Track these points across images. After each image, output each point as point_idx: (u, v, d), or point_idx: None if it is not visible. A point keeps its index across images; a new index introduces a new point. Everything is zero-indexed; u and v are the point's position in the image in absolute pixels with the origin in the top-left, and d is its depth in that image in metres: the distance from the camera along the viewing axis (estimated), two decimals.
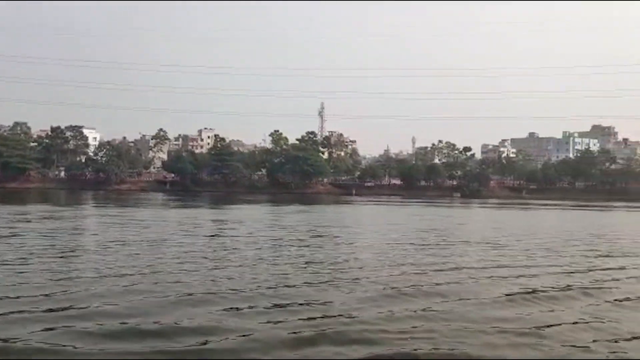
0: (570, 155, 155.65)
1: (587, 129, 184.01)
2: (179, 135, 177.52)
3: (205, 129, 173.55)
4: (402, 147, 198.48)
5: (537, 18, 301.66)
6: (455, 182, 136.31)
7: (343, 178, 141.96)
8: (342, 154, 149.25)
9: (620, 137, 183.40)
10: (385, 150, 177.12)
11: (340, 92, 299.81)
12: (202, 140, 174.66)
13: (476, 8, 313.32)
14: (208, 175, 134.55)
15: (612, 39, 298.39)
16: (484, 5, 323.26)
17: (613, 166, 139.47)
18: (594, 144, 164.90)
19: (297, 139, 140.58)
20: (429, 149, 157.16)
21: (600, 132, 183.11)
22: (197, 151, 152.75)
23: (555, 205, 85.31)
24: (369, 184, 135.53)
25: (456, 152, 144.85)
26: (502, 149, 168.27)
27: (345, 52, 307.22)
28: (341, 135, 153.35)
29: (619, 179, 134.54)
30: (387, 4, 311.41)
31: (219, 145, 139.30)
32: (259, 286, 13.32)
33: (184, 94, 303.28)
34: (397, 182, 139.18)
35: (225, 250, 20.51)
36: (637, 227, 42.79)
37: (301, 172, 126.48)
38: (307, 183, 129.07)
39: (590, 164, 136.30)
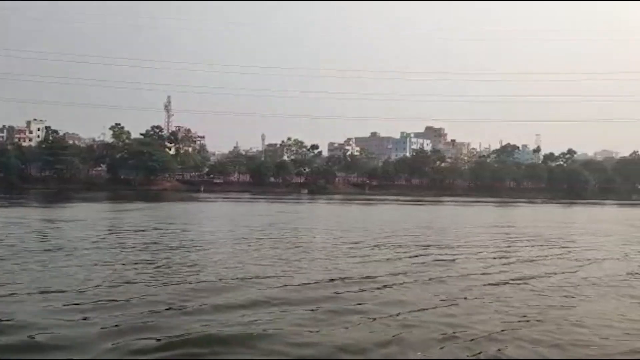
0: (407, 154, 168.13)
1: (422, 130, 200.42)
2: (3, 126, 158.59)
3: (35, 120, 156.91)
4: (252, 143, 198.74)
5: (384, 24, 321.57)
6: (303, 179, 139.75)
7: (191, 174, 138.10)
8: (190, 149, 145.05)
9: (449, 138, 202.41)
10: (235, 147, 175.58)
11: (189, 87, 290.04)
12: (30, 132, 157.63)
13: (331, 8, 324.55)
14: (38, 171, 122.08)
15: (446, 48, 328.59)
16: (342, 5, 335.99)
17: (443, 164, 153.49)
18: (427, 144, 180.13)
19: (142, 134, 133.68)
20: (278, 146, 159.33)
21: (433, 133, 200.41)
22: (24, 144, 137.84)
23: (393, 200, 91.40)
24: (217, 181, 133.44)
25: (304, 149, 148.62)
26: (347, 147, 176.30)
27: (198, 46, 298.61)
28: (189, 130, 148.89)
29: (448, 176, 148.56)
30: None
31: (50, 138, 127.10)
32: None
33: (11, 80, 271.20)
34: (247, 178, 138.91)
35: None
36: (457, 219, 47.14)
37: (146, 168, 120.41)
38: (152, 179, 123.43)
39: (424, 163, 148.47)
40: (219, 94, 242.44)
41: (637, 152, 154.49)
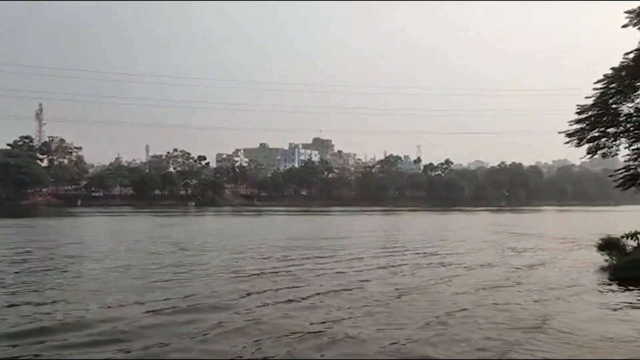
0: (296, 165, 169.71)
1: (310, 141, 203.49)
2: None
3: None
4: (135, 155, 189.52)
5: (271, 34, 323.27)
6: (190, 191, 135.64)
7: (67, 188, 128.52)
8: (66, 161, 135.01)
9: (336, 149, 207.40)
10: (116, 158, 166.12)
11: (65, 95, 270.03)
12: None
13: (220, 18, 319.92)
14: None
15: (331, 60, 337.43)
16: (230, 16, 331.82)
17: (331, 175, 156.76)
18: (315, 155, 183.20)
19: (9, 144, 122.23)
20: (163, 157, 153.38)
21: (320, 144, 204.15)
22: None
23: (284, 211, 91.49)
24: (96, 194, 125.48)
25: (191, 160, 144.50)
26: (236, 159, 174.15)
27: (77, 53, 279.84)
28: (63, 141, 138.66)
29: (336, 186, 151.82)
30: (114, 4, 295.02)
31: None
32: None
33: None
34: (130, 192, 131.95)
35: None
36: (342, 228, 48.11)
37: (14, 181, 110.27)
38: (22, 194, 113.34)
39: (312, 173, 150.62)
40: (98, 103, 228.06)
41: (505, 162, 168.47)
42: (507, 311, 13.61)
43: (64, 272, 18.90)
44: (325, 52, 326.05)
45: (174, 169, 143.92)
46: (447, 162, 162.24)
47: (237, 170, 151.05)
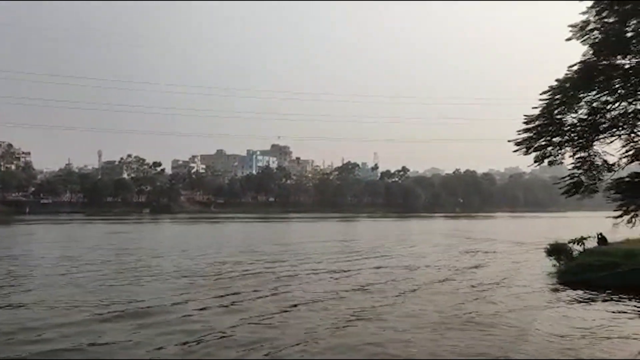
0: (254, 171, 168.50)
1: (268, 147, 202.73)
2: None
3: None
4: (87, 161, 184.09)
5: (229, 40, 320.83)
6: (144, 198, 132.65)
7: (13, 195, 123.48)
8: (13, 167, 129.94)
9: (294, 156, 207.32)
10: (66, 164, 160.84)
11: (10, 98, 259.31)
12: None
13: (177, 23, 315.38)
14: None
15: (290, 67, 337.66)
16: (188, 21, 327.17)
17: (288, 182, 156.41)
18: (273, 162, 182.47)
19: None
20: (117, 163, 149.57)
21: (279, 151, 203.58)
22: None
23: (240, 218, 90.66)
24: (45, 201, 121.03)
25: (146, 167, 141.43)
26: (192, 165, 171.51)
27: (26, 55, 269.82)
28: (11, 146, 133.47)
29: (293, 193, 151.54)
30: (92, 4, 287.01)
31: None
32: None
33: None
34: (81, 198, 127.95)
35: None
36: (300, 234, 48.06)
37: None
38: None
39: (270, 180, 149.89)
40: (50, 107, 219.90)
41: (459, 170, 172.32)
42: (456, 313, 13.91)
43: None
44: (284, 59, 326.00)
45: (128, 175, 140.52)
46: (404, 169, 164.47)
47: (193, 176, 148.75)
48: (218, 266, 23.37)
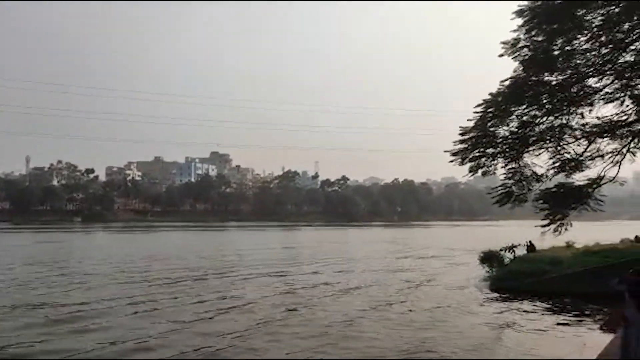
0: (193, 179, 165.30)
1: (207, 155, 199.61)
2: None
3: None
4: (14, 166, 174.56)
5: (167, 47, 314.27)
6: (75, 206, 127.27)
7: None
8: None
9: (234, 164, 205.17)
10: None
11: None
12: None
13: (114, 29, 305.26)
14: None
15: (228, 74, 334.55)
16: (127, 27, 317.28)
17: (228, 190, 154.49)
18: (213, 170, 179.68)
19: None
20: (46, 169, 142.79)
21: (218, 158, 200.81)
22: None
23: (177, 226, 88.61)
24: None
25: (78, 173, 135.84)
26: (128, 172, 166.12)
27: None
28: None
29: (233, 201, 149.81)
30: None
31: None
32: None
33: None
34: (7, 206, 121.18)
35: None
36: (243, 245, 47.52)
37: None
38: None
39: (209, 188, 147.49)
40: None
41: (398, 179, 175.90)
42: (389, 319, 14.21)
43: None
44: (225, 67, 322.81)
45: (58, 182, 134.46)
46: (344, 178, 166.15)
47: (129, 184, 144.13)
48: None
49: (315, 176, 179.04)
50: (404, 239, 57.16)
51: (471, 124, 16.40)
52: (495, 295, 20.05)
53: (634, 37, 14.59)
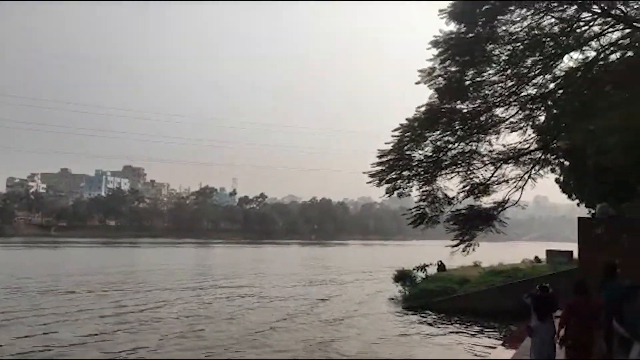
0: (103, 193, 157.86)
1: (120, 168, 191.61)
2: None
3: None
4: None
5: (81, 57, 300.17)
6: None
7: None
8: None
9: (148, 178, 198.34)
10: None
11: None
12: None
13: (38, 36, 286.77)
14: None
15: (140, 87, 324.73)
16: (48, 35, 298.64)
17: (141, 205, 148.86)
18: (125, 184, 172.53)
19: None
20: None
21: (132, 172, 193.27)
22: None
23: (83, 242, 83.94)
24: None
25: None
26: (31, 184, 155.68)
27: None
28: None
29: (146, 217, 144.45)
30: None
31: None
32: None
33: None
34: None
35: None
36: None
37: None
38: None
39: (121, 203, 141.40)
40: None
41: (316, 198, 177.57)
42: (301, 332, 14.33)
43: None
44: (143, 78, 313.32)
45: None
46: (262, 195, 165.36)
47: (32, 196, 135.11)
48: None
49: (234, 193, 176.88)
50: (320, 257, 57.65)
51: (389, 147, 16.95)
52: (406, 312, 20.69)
53: (536, 72, 15.80)
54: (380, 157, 17.09)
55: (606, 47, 14.98)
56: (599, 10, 14.27)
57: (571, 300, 7.53)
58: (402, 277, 25.89)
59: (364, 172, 17.43)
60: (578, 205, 27.63)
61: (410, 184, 17.27)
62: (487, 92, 16.27)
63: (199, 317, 18.17)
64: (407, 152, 17.01)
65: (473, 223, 16.93)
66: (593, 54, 15.21)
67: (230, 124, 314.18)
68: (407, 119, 16.83)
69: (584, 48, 15.28)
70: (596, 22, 14.71)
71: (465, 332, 17.16)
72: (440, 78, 16.26)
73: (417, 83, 16.56)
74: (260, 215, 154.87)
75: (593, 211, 17.01)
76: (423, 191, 17.32)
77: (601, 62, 15.03)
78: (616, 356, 7.58)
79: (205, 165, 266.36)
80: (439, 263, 28.71)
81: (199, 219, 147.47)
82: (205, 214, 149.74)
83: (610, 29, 14.75)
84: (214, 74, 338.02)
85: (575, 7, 14.53)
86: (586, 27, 14.96)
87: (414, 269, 26.26)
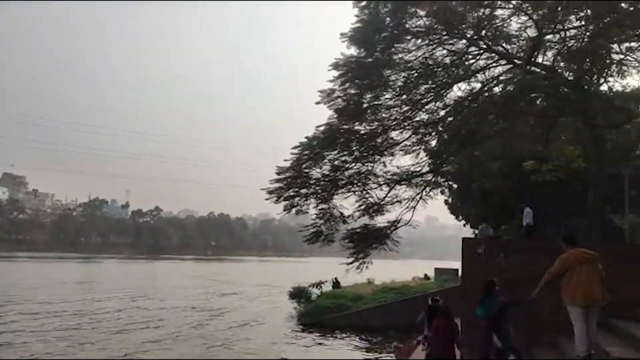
0: None
1: None
2: None
3: None
4: None
5: None
6: None
7: None
8: None
9: (31, 188, 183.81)
10: None
11: None
12: None
13: None
14: None
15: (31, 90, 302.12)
16: None
17: (22, 216, 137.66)
18: (4, 192, 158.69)
19: None
20: None
21: (12, 180, 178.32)
22: None
23: None
24: None
25: None
26: None
27: None
28: None
29: (26, 229, 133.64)
30: None
31: None
32: None
33: None
34: None
35: None
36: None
37: None
38: None
39: None
40: None
41: (214, 213, 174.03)
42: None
43: None
44: (35, 79, 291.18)
45: None
46: (157, 209, 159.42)
47: None
48: None
49: (126, 205, 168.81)
50: (216, 274, 56.47)
51: (288, 164, 17.02)
52: (300, 328, 20.75)
53: (429, 99, 16.71)
54: (278, 173, 17.11)
55: (490, 80, 16.22)
56: (485, 46, 15.44)
57: (435, 322, 8.62)
58: (298, 294, 26.00)
59: (262, 189, 17.34)
60: (464, 225, 29.42)
61: (308, 201, 17.42)
62: (383, 115, 16.89)
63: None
64: (306, 170, 17.17)
65: (367, 242, 17.36)
66: (479, 85, 16.39)
67: (127, 134, 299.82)
68: (306, 137, 17.03)
69: (471, 80, 16.43)
70: (482, 57, 15.91)
71: (356, 347, 17.49)
72: (339, 99, 16.66)
73: (317, 103, 16.85)
74: (153, 229, 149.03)
75: (477, 232, 18.17)
76: (320, 209, 17.52)
77: (486, 94, 16.22)
78: None
79: (96, 176, 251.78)
80: (334, 280, 29.15)
81: (86, 232, 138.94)
82: (94, 227, 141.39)
83: (494, 64, 16.02)
84: (113, 81, 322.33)
85: (464, 41, 15.60)
86: (473, 61, 16.12)
87: (309, 286, 26.47)
